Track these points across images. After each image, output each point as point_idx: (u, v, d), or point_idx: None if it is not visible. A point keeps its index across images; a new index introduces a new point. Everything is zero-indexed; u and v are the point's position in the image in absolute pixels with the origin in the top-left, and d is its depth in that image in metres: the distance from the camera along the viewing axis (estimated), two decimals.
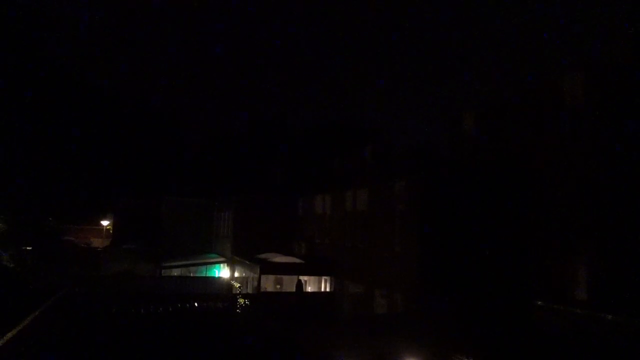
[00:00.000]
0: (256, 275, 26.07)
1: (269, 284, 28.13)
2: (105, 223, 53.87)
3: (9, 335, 13.23)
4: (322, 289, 26.85)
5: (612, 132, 15.59)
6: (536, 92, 18.46)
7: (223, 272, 34.47)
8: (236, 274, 31.97)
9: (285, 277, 28.04)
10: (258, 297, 25.28)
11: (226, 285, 30.04)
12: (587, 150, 15.96)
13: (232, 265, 33.09)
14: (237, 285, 29.20)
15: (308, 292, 27.28)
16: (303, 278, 27.01)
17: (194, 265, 35.46)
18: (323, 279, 26.88)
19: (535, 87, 18.90)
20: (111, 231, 49.97)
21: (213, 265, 35.39)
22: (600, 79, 16.03)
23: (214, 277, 33.53)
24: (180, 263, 35.30)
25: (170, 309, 24.75)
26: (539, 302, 13.75)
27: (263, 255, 27.65)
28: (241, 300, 24.77)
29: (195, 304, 25.70)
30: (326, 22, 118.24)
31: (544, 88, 18.12)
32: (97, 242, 51.41)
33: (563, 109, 16.81)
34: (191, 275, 34.64)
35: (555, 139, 17.10)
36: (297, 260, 26.76)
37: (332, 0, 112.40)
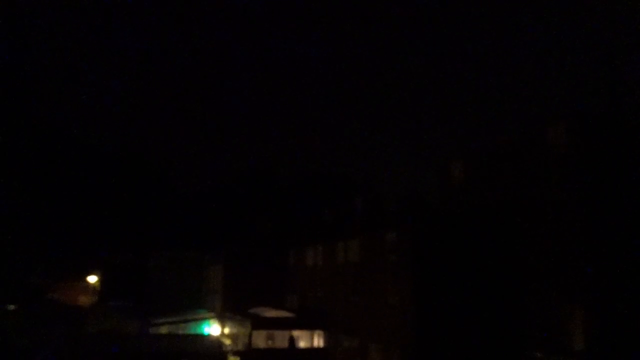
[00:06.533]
0: (247, 331, 25.36)
1: (260, 339, 27.30)
2: (92, 280, 52.71)
3: None
4: (315, 344, 26.11)
5: (596, 178, 15.84)
6: (522, 142, 18.79)
7: (213, 328, 33.52)
8: (226, 330, 31.09)
9: (277, 333, 27.27)
10: (249, 354, 24.48)
11: (216, 343, 29.10)
12: (574, 198, 16.09)
13: (222, 321, 32.23)
14: (227, 342, 28.35)
15: (300, 349, 26.49)
16: (295, 333, 26.30)
17: (182, 322, 34.51)
18: (316, 333, 26.19)
19: (521, 137, 19.24)
20: (98, 288, 48.91)
21: (202, 321, 34.45)
22: (582, 129, 16.49)
23: (203, 335, 32.54)
24: (168, 320, 34.33)
25: None
26: (538, 354, 13.48)
27: (254, 310, 27.00)
28: (231, 359, 23.96)
29: None
30: (313, 73, 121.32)
31: (529, 138, 18.46)
32: (84, 300, 50.09)
33: (548, 158, 17.09)
34: (180, 332, 33.61)
35: (543, 186, 17.26)
36: (289, 315, 26.13)
37: (321, 50, 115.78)
